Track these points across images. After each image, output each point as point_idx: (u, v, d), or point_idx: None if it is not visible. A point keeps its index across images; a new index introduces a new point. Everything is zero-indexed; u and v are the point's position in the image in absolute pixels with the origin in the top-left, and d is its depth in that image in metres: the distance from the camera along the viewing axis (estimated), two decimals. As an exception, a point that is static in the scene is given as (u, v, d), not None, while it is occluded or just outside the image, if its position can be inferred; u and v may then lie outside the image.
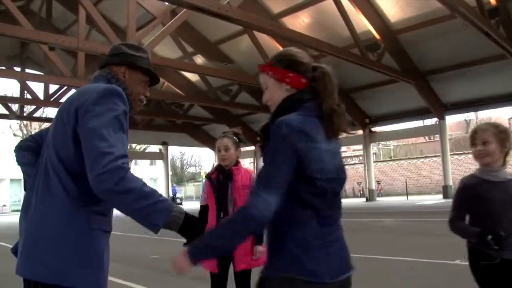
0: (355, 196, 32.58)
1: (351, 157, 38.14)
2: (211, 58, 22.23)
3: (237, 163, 3.41)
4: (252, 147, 32.11)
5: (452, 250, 7.32)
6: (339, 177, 1.64)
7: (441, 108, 22.41)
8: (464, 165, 30.05)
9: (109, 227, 1.77)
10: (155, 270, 7.22)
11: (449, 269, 5.77)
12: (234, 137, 3.47)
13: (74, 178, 1.63)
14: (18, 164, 1.99)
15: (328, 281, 1.54)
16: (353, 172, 34.34)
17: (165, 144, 33.71)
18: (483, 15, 14.46)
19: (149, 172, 55.22)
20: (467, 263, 5.72)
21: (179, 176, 66.23)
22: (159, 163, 41.02)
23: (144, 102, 2.04)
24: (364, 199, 26.78)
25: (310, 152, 1.53)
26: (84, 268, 1.61)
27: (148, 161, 53.24)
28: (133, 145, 41.12)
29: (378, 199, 25.95)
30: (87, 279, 1.61)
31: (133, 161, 46.66)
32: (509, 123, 30.19)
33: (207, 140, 34.45)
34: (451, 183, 22.73)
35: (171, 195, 38.72)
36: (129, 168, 1.57)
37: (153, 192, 1.58)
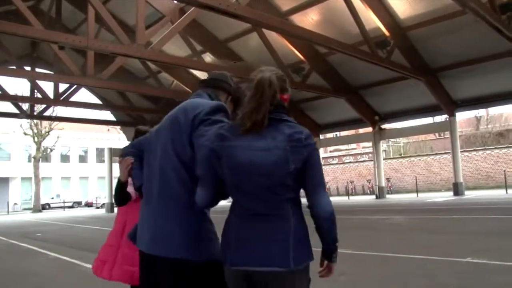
0: (364, 193, 32.47)
1: (360, 154, 38.09)
2: (220, 56, 22.24)
3: None
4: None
5: (463, 247, 7.31)
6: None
7: (452, 105, 22.25)
8: (475, 162, 29.81)
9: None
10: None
11: (460, 267, 5.72)
12: None
13: (191, 176, 2.00)
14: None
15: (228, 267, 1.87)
16: (363, 170, 34.21)
17: (174, 142, 33.82)
18: (494, 11, 14.32)
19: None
20: (478, 260, 5.68)
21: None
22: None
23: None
24: (374, 197, 26.69)
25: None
26: (202, 243, 2.04)
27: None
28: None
29: (388, 196, 25.85)
30: (200, 251, 2.02)
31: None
32: (521, 120, 29.85)
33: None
34: (461, 180, 22.59)
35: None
36: None
37: None
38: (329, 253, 1.90)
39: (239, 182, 1.83)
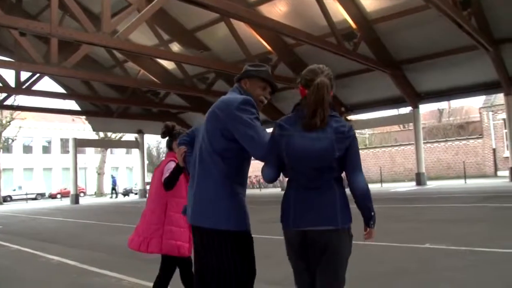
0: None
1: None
2: (188, 46, 22.06)
3: None
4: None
5: (423, 234, 7.58)
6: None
7: (415, 97, 22.78)
8: (437, 153, 30.67)
9: (244, 192, 2.60)
10: (131, 258, 7.20)
11: (420, 252, 5.95)
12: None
13: (223, 161, 2.48)
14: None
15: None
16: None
17: (140, 132, 33.37)
18: (456, 7, 14.70)
19: (125, 161, 54.74)
20: (436, 246, 5.92)
21: (155, 165, 65.65)
22: (135, 151, 40.71)
23: (265, 102, 2.74)
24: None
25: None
26: (233, 216, 2.47)
27: (124, 150, 52.61)
28: (108, 134, 40.60)
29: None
30: (234, 223, 2.46)
31: (109, 150, 46.11)
32: (480, 113, 30.79)
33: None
34: (423, 171, 23.21)
35: (110, 185, 38.47)
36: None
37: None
38: (367, 220, 2.45)
39: (295, 164, 2.35)
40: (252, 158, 2.54)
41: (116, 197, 36.76)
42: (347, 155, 2.34)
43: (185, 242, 3.59)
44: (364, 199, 2.39)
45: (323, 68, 2.43)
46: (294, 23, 16.26)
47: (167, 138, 3.80)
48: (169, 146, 3.81)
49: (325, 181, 2.35)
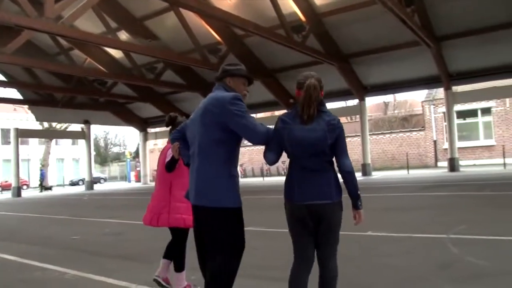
0: (279, 174, 33.32)
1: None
2: (136, 35, 21.61)
3: None
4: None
5: (366, 222, 7.81)
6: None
7: (362, 90, 23.40)
8: (382, 145, 31.68)
9: (237, 173, 3.06)
10: (74, 250, 7.09)
11: (362, 240, 6.17)
12: None
13: (221, 148, 2.94)
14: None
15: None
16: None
17: (87, 122, 32.47)
18: (400, 3, 15.19)
19: (71, 152, 53.08)
20: (377, 233, 6.19)
21: (102, 156, 64.36)
22: (82, 142, 39.49)
23: (247, 95, 3.19)
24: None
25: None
26: (230, 196, 2.93)
27: (70, 141, 51.01)
28: (53, 124, 39.20)
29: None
30: (232, 201, 2.94)
31: (54, 140, 44.56)
32: (422, 106, 32.01)
33: (132, 119, 33.62)
34: (369, 162, 23.93)
35: (38, 179, 36.90)
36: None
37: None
38: (355, 201, 2.94)
39: (296, 151, 2.89)
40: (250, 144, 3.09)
41: (41, 191, 34.88)
42: (336, 143, 2.90)
43: (190, 215, 3.90)
44: (352, 177, 2.91)
45: (314, 74, 3.00)
46: (243, 14, 16.29)
47: (170, 127, 4.40)
48: (171, 133, 4.26)
49: (321, 164, 2.89)
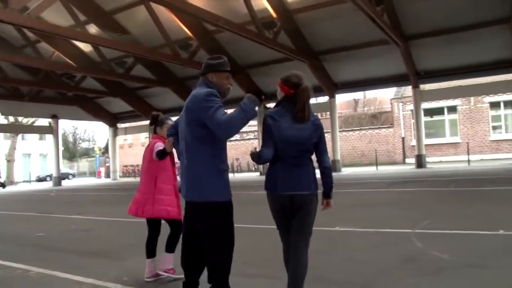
0: (249, 170, 33.40)
1: (246, 132, 38.68)
2: (105, 28, 21.24)
3: None
4: (147, 122, 31.37)
5: (334, 218, 7.92)
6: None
7: (332, 87, 23.64)
8: (351, 141, 32.12)
9: (227, 166, 3.23)
10: (39, 248, 6.95)
11: (330, 234, 6.27)
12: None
13: (205, 144, 3.06)
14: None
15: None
16: (249, 147, 35.14)
17: (55, 117, 31.77)
18: (370, 2, 15.41)
19: (38, 148, 51.75)
20: (345, 228, 6.29)
21: (71, 152, 63.11)
22: (49, 137, 38.58)
23: (231, 88, 3.35)
24: (258, 173, 27.57)
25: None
26: (222, 189, 3.13)
27: (37, 136, 49.78)
28: (19, 118, 38.15)
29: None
30: (224, 194, 3.13)
31: (20, 135, 43.40)
32: (391, 103, 32.56)
33: (101, 114, 33.09)
34: (339, 158, 24.21)
35: None
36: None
37: (239, 110, 2.99)
38: (330, 191, 3.33)
39: (284, 147, 3.13)
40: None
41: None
42: (320, 141, 3.23)
43: (174, 207, 4.40)
44: (330, 171, 3.31)
45: (302, 74, 3.32)
46: (215, 10, 16.23)
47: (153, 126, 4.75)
48: (154, 131, 4.74)
49: (304, 160, 3.18)
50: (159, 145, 4.41)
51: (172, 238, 4.52)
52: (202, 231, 3.17)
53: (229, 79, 3.32)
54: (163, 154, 4.25)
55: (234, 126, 2.94)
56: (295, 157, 3.16)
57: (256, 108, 3.07)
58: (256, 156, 3.23)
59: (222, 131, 2.94)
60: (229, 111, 3.10)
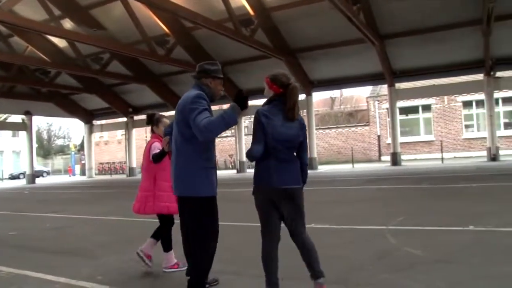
0: (226, 168, 33.38)
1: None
2: (81, 23, 20.92)
3: None
4: (124, 119, 31.07)
5: (310, 215, 7.94)
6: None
7: (309, 85, 23.77)
8: (328, 139, 32.39)
9: (213, 165, 3.42)
10: (11, 247, 6.81)
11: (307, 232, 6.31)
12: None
13: (193, 144, 3.22)
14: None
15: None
16: (226, 145, 35.12)
17: (28, 113, 31.13)
18: (346, 1, 15.53)
19: (11, 145, 50.75)
20: (320, 226, 6.34)
21: (46, 149, 62.04)
22: (23, 134, 37.84)
23: (222, 93, 3.63)
24: (235, 171, 27.57)
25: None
26: (205, 186, 3.28)
27: (10, 132, 48.76)
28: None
29: (248, 170, 26.55)
30: (206, 189, 3.28)
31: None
32: (367, 102, 32.93)
33: (76, 110, 32.61)
34: (315, 155, 24.36)
35: None
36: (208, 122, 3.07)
37: (220, 117, 3.05)
38: (305, 180, 3.52)
39: (276, 144, 3.30)
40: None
41: None
42: (303, 140, 3.46)
43: (173, 203, 4.42)
44: (307, 169, 3.56)
45: (289, 74, 3.51)
46: (192, 6, 16.16)
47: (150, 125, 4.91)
48: (152, 130, 4.90)
49: (292, 156, 3.41)
50: (156, 147, 4.61)
51: (164, 236, 4.74)
52: (188, 224, 3.36)
53: (221, 85, 3.53)
54: (159, 158, 4.40)
55: (211, 131, 3.07)
56: (285, 154, 3.35)
57: (237, 119, 3.17)
58: (249, 154, 3.38)
59: (200, 133, 3.08)
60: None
